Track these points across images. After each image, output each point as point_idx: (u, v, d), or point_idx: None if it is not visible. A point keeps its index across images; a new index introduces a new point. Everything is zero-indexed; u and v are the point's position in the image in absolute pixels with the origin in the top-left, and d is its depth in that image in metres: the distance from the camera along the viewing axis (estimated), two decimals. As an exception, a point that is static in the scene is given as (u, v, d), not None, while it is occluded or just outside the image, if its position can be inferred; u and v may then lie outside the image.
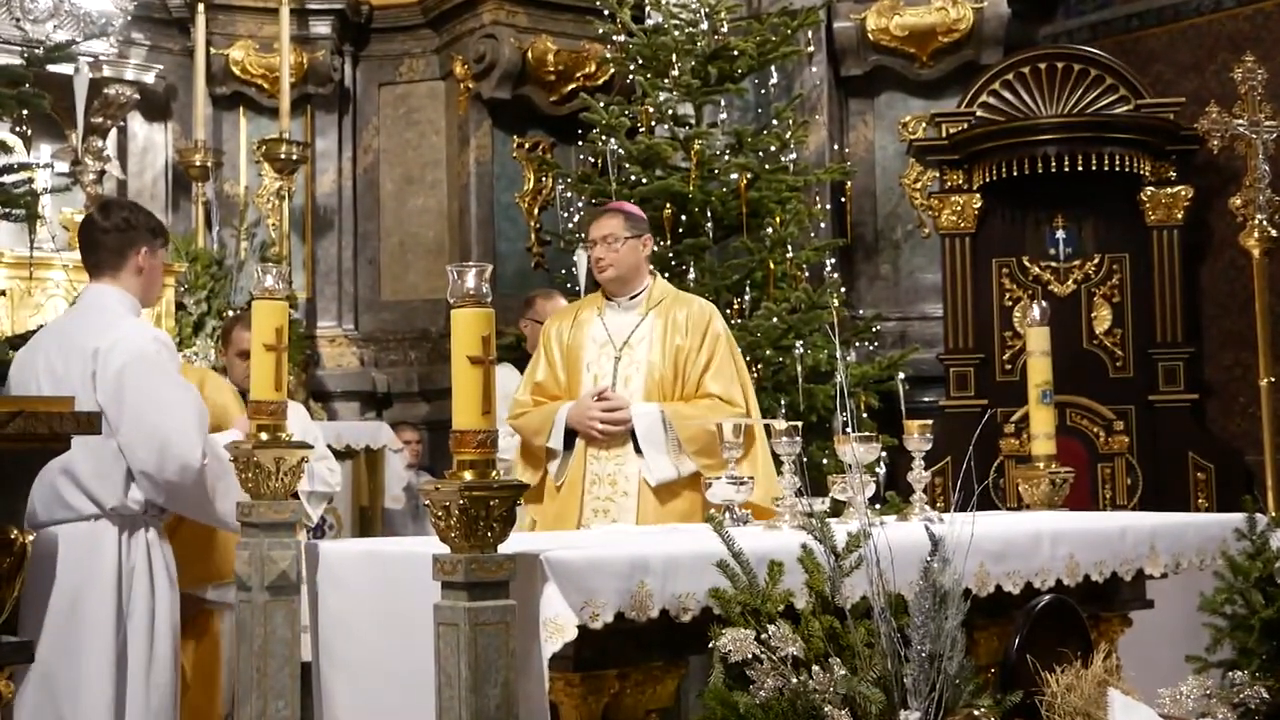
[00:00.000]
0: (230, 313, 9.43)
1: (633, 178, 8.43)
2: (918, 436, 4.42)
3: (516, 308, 7.75)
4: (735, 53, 8.72)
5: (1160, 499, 8.55)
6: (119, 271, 4.37)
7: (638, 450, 5.00)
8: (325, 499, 6.27)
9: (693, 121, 8.70)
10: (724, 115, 8.93)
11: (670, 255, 8.18)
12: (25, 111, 7.24)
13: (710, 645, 3.11)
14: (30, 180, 7.04)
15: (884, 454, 4.64)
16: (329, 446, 6.42)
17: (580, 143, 9.30)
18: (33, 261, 8.51)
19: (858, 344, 8.94)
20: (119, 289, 4.36)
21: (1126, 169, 8.90)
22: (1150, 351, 9.05)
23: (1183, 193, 9.07)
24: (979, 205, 9.23)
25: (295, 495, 3.95)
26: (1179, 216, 9.09)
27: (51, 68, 7.63)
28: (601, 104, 8.74)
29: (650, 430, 4.98)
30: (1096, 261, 9.24)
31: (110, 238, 4.36)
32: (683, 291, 5.51)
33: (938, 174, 9.50)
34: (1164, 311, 9.05)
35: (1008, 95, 9.30)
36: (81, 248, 4.46)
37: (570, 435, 5.11)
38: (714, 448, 4.92)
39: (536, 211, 10.87)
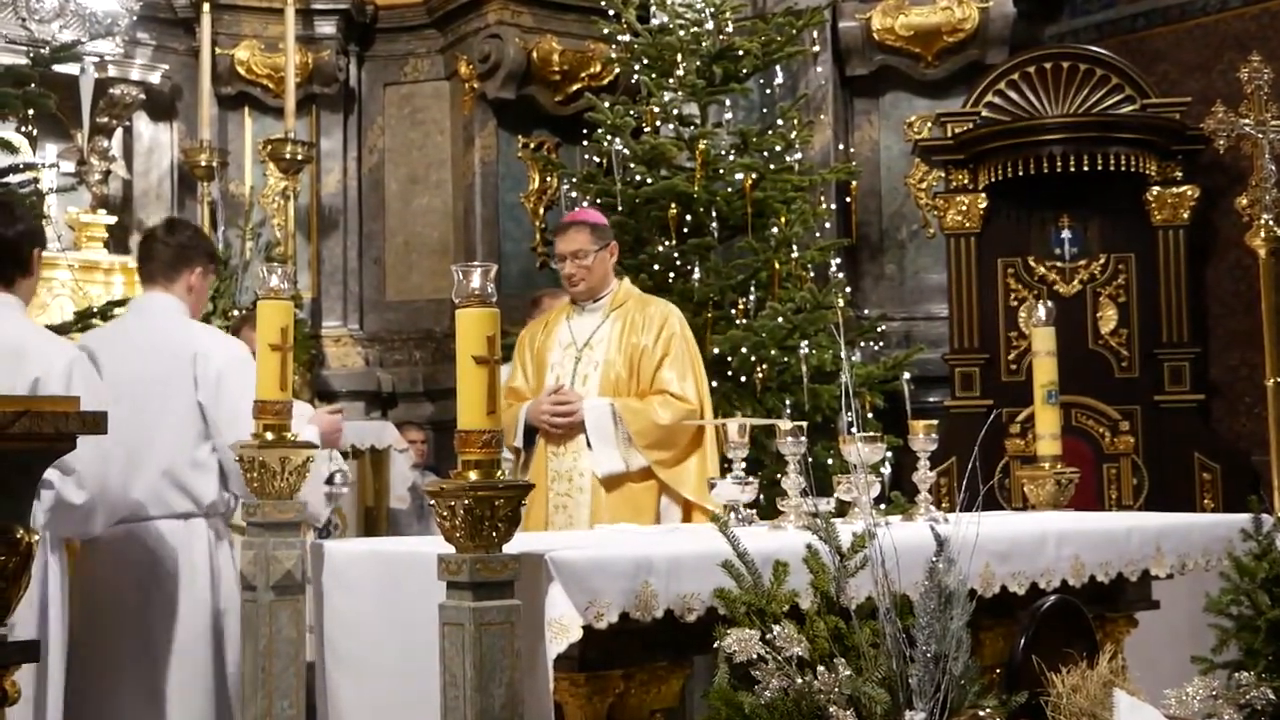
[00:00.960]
0: (236, 312, 9.43)
1: (637, 178, 8.42)
2: (923, 437, 4.43)
3: (521, 307, 7.75)
4: (740, 52, 8.72)
5: (1166, 499, 8.54)
6: (171, 284, 4.57)
7: (590, 445, 5.09)
8: (335, 500, 6.31)
9: (698, 121, 8.69)
10: (729, 115, 8.92)
11: (675, 255, 8.18)
12: (31, 111, 7.26)
13: (715, 645, 3.11)
14: (36, 180, 7.05)
15: (889, 454, 4.64)
16: (334, 447, 6.43)
17: (585, 143, 9.29)
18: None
19: (863, 344, 8.93)
20: (173, 297, 4.54)
21: (1132, 169, 8.89)
22: (1156, 352, 9.04)
23: (1188, 192, 9.06)
24: (984, 205, 9.22)
25: (330, 492, 4.12)
26: (1185, 216, 9.07)
27: (57, 68, 7.63)
28: (606, 104, 8.74)
29: (599, 422, 5.11)
30: (1102, 261, 9.23)
31: (170, 252, 4.56)
32: (647, 294, 5.62)
33: (943, 174, 9.49)
34: (1170, 311, 9.04)
35: (1013, 95, 9.29)
36: (140, 257, 4.67)
37: (533, 434, 5.27)
38: (664, 441, 5.06)
39: (541, 211, 10.87)
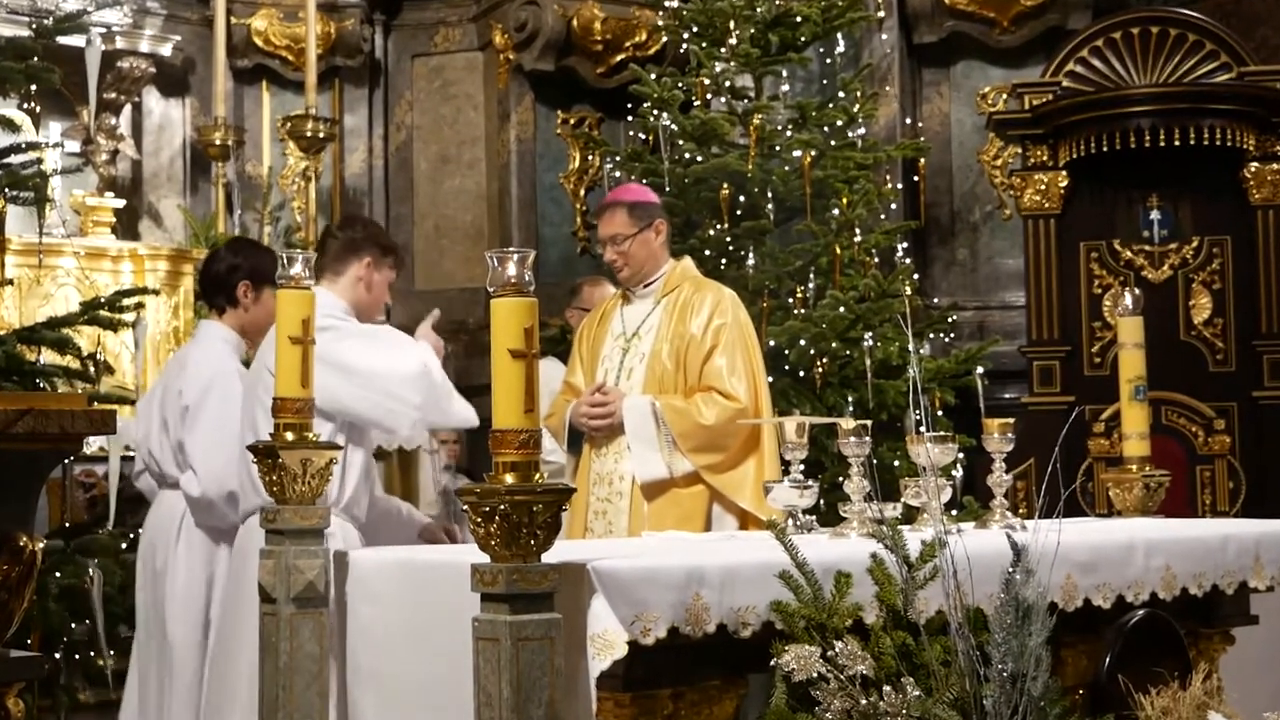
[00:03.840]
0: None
1: (687, 155, 8.42)
2: (998, 436, 4.41)
3: (561, 297, 7.78)
4: (798, 19, 8.69)
5: (1266, 505, 8.45)
6: (337, 278, 4.89)
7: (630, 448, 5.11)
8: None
9: (752, 94, 8.68)
10: (786, 87, 8.91)
11: (728, 239, 8.18)
12: (34, 87, 7.33)
13: (772, 663, 3.11)
14: (39, 161, 7.12)
15: (961, 455, 4.63)
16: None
17: (630, 118, 9.30)
18: (42, 248, 8.60)
19: (932, 336, 8.91)
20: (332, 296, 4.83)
21: (1228, 143, 8.81)
22: (1254, 343, 8.96)
23: (1290, 169, 8.98)
24: (1065, 184, 9.16)
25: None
26: (1286, 195, 9.00)
27: (62, 39, 7.71)
28: (653, 76, 8.74)
29: (639, 424, 5.08)
30: (1195, 245, 9.15)
31: (337, 244, 4.89)
32: (705, 277, 5.56)
33: (1020, 150, 9.44)
34: (1270, 299, 8.96)
35: (1097, 63, 9.22)
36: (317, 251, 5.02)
37: (579, 436, 5.32)
38: (711, 444, 5.02)
39: (583, 193, 10.89)
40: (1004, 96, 9.81)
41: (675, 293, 5.26)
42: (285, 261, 3.91)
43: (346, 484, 4.56)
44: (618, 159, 9.26)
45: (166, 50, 10.21)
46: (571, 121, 10.90)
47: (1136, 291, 5.23)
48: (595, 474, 5.19)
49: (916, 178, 10.09)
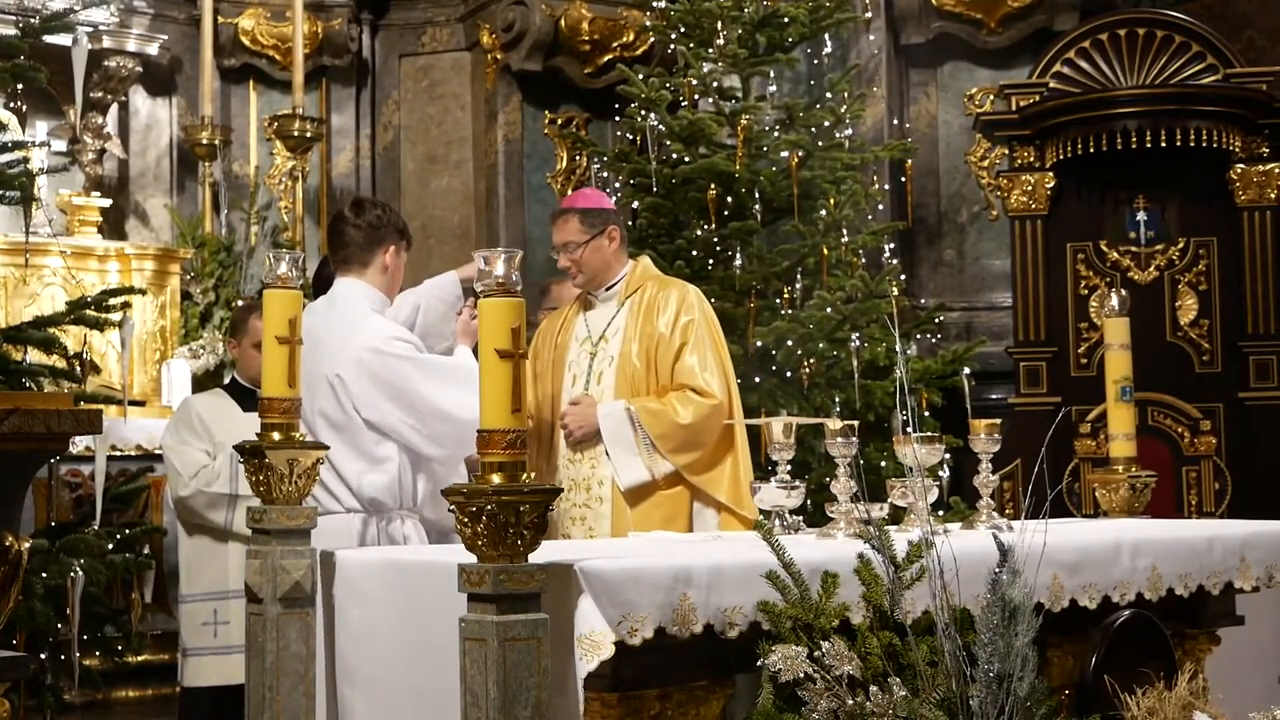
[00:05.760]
0: (239, 303, 9.49)
1: (674, 156, 8.42)
2: (985, 437, 4.42)
3: (548, 297, 7.76)
4: (786, 19, 8.69)
5: (1252, 506, 8.48)
6: (365, 269, 4.91)
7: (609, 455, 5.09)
8: None
9: (739, 95, 8.68)
10: (773, 88, 8.90)
11: (715, 240, 8.18)
12: (20, 86, 7.32)
13: (759, 663, 3.12)
14: (25, 160, 7.10)
15: (948, 456, 4.64)
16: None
17: (617, 118, 9.30)
18: (28, 247, 8.58)
19: (919, 336, 8.91)
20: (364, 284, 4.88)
21: (1214, 145, 8.84)
22: (1240, 344, 8.99)
23: (1276, 170, 9.00)
24: (1052, 185, 9.18)
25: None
26: (1272, 196, 9.02)
27: (48, 38, 7.70)
28: (640, 76, 8.73)
29: (616, 430, 5.05)
30: (1181, 246, 9.18)
31: (361, 234, 4.89)
32: (666, 276, 5.57)
33: (1007, 151, 9.46)
34: (1256, 300, 8.98)
35: (1084, 65, 9.24)
36: (330, 244, 5.07)
37: None
38: (690, 443, 5.01)
39: (570, 193, 10.87)
40: (991, 98, 9.83)
41: (639, 293, 5.23)
42: (271, 260, 3.91)
43: (419, 488, 4.72)
44: (605, 159, 9.25)
45: (153, 49, 10.20)
46: (559, 121, 10.89)
47: (1123, 292, 5.25)
48: (570, 480, 5.16)
49: (904, 178, 10.10)
